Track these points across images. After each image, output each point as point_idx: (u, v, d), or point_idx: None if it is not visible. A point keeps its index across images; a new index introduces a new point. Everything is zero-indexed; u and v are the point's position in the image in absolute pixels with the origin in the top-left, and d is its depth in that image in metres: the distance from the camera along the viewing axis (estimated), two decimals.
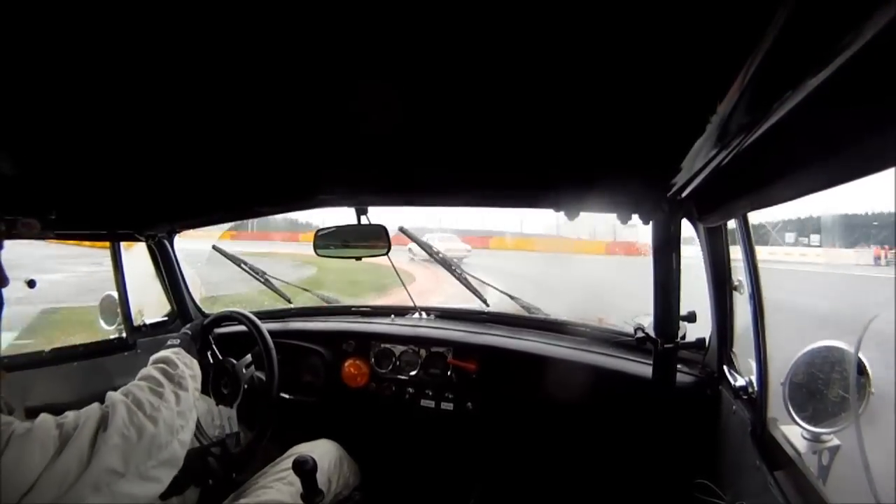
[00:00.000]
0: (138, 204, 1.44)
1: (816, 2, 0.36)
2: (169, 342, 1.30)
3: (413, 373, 1.75)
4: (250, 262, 2.14)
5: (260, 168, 1.12)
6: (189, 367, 1.15)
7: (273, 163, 1.07)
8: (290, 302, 2.21)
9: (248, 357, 1.51)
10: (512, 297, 2.00)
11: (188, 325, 1.48)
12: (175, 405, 0.99)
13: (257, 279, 2.12)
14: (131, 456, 0.85)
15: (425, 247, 1.97)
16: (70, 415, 0.86)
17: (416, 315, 2.00)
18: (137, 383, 1.01)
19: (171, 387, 1.03)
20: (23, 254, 1.51)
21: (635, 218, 1.20)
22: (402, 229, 1.98)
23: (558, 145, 0.88)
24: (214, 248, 2.21)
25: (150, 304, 2.00)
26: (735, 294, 1.22)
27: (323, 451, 1.46)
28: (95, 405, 0.90)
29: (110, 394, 0.94)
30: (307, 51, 0.53)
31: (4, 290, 0.94)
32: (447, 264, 1.98)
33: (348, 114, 0.75)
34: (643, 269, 1.33)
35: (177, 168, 1.07)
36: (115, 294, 1.81)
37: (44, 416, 0.82)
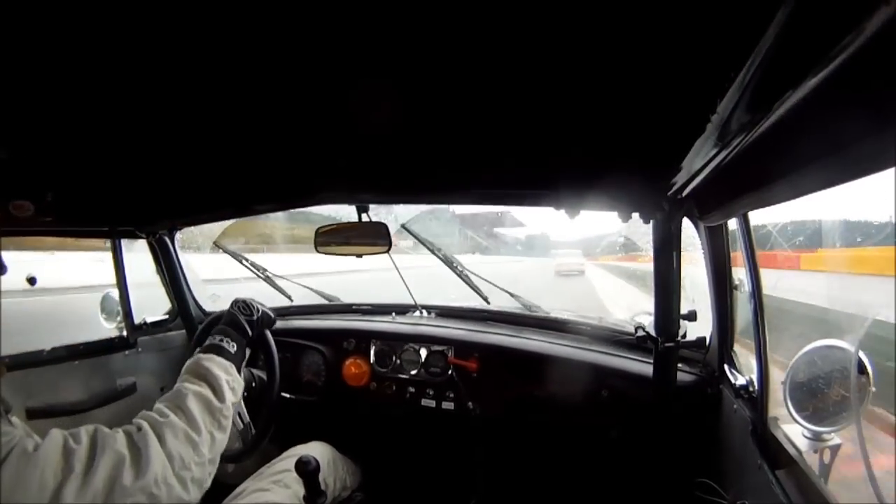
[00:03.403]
0: (139, 201, 1.44)
1: (817, 1, 0.36)
2: (222, 338, 1.10)
3: (414, 372, 1.75)
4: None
5: (261, 165, 1.12)
6: (234, 393, 1.00)
7: (274, 160, 1.07)
8: (290, 299, 2.21)
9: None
10: (513, 296, 2.01)
11: (246, 317, 1.18)
12: (208, 452, 0.88)
13: (258, 275, 2.12)
14: None
15: (427, 244, 1.99)
16: (83, 439, 0.74)
17: (417, 313, 2.00)
18: (172, 421, 0.85)
19: (209, 426, 0.90)
20: None
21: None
22: (403, 226, 1.99)
23: (559, 144, 0.88)
24: (216, 244, 2.22)
25: None
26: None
27: (316, 454, 1.45)
28: (119, 437, 0.78)
29: (145, 434, 0.80)
30: (308, 47, 0.53)
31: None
32: (449, 262, 2.00)
33: (349, 111, 0.75)
34: None
35: (178, 165, 1.07)
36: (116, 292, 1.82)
37: (53, 438, 0.72)
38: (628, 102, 0.65)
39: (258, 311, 1.27)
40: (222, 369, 1.01)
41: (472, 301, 2.05)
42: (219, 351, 1.07)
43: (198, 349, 1.19)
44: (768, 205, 0.76)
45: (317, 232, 1.60)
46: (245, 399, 1.42)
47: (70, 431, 0.75)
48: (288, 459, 1.39)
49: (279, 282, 2.19)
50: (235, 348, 1.10)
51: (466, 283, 2.01)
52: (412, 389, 1.74)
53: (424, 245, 1.99)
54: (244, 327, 1.19)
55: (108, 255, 1.76)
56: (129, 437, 0.79)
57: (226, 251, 2.15)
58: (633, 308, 1.52)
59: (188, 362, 1.03)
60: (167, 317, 1.99)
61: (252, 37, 0.51)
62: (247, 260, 2.13)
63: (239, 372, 1.06)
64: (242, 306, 1.25)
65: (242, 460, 1.38)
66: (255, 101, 0.71)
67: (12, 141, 0.80)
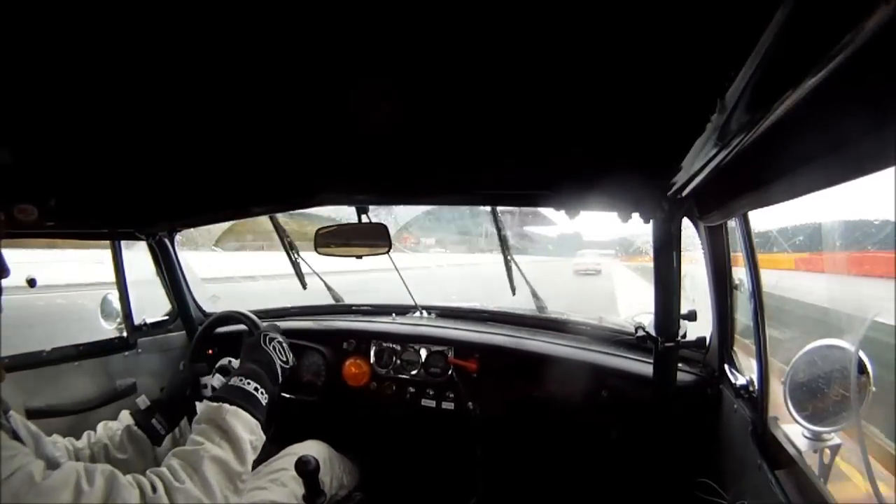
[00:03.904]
0: (138, 203, 1.44)
1: (816, 0, 0.36)
2: (257, 386, 1.00)
3: (414, 372, 1.75)
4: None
5: (260, 166, 1.12)
6: (256, 451, 0.93)
7: (273, 161, 1.07)
8: (305, 287, 2.22)
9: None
10: (534, 294, 2.02)
11: (282, 363, 1.08)
12: None
13: (290, 255, 2.12)
14: None
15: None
16: (97, 482, 0.72)
17: (417, 314, 2.01)
18: (187, 489, 0.80)
19: (225, 491, 0.86)
20: None
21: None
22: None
23: (559, 144, 0.88)
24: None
25: None
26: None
27: (314, 452, 1.43)
28: (134, 493, 0.75)
29: (159, 498, 0.76)
30: (307, 49, 0.53)
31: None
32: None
33: (349, 111, 0.75)
34: None
35: (177, 167, 1.07)
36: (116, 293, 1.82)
37: (66, 472, 0.70)
38: (628, 102, 0.65)
39: (293, 360, 1.15)
40: (248, 430, 0.93)
41: (474, 301, 2.06)
42: (249, 401, 0.98)
43: (217, 374, 1.18)
44: (768, 204, 0.76)
45: (317, 233, 1.61)
46: None
47: (85, 468, 0.73)
48: (285, 458, 1.39)
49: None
50: (266, 401, 1.00)
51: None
52: (412, 389, 1.74)
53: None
54: (278, 377, 1.10)
55: (108, 255, 1.77)
56: (142, 496, 0.76)
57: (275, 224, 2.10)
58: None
59: (209, 407, 0.94)
60: (167, 318, 1.99)
61: (250, 37, 0.51)
62: (288, 236, 2.09)
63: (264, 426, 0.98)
64: (279, 349, 1.13)
65: None
66: (253, 102, 0.71)
67: (15, 145, 0.80)
